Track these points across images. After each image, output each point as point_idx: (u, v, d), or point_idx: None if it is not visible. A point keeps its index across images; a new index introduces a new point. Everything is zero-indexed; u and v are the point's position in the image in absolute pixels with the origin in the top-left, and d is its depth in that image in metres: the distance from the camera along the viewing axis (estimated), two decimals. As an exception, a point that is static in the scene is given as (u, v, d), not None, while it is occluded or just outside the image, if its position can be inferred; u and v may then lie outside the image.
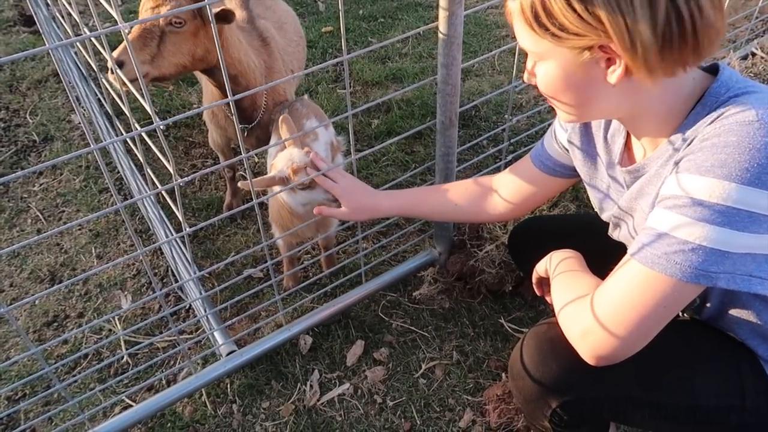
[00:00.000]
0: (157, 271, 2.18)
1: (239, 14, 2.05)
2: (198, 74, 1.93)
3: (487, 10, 3.77)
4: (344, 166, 2.09)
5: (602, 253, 1.11)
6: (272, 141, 1.92)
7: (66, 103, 3.11)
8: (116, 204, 2.35)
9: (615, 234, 1.19)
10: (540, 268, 1.23)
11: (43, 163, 2.69)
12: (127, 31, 1.01)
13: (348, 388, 1.76)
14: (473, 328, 1.89)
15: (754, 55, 2.75)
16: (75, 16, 1.49)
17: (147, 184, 2.23)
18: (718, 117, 0.86)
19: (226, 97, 1.87)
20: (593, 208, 1.29)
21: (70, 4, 1.62)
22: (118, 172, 2.59)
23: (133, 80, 1.56)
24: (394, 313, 1.96)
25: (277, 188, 1.49)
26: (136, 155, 2.57)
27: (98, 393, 1.78)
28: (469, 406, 1.70)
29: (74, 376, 1.84)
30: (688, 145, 0.89)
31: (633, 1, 0.78)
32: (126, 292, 2.11)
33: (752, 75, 2.60)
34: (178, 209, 1.36)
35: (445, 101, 1.57)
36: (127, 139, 1.65)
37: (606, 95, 0.93)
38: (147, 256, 2.23)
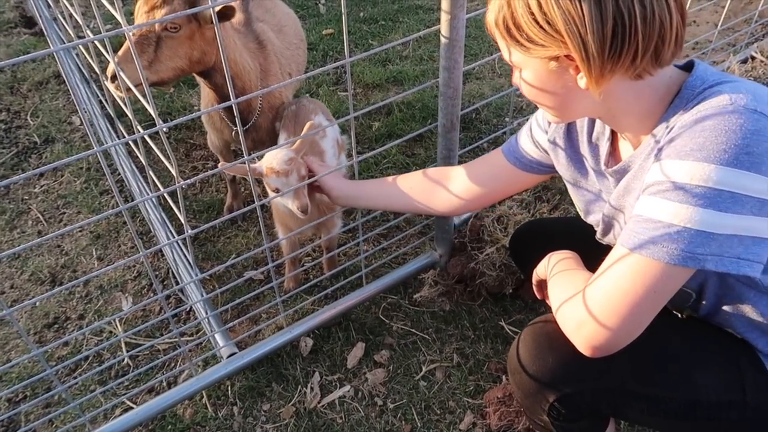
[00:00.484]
0: (158, 273, 2.18)
1: (237, 17, 2.06)
2: (195, 76, 1.93)
3: (487, 13, 3.78)
4: (346, 167, 2.10)
5: (602, 255, 1.11)
6: (281, 139, 1.94)
7: (67, 105, 3.12)
8: (117, 206, 2.36)
9: (606, 237, 1.20)
10: (540, 270, 1.23)
11: (44, 165, 2.70)
12: (131, 34, 1.02)
13: (348, 391, 1.76)
14: (474, 331, 1.90)
15: (753, 58, 2.75)
16: (77, 17, 1.50)
17: (149, 186, 2.23)
18: (694, 106, 0.89)
19: (222, 99, 1.90)
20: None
21: (72, 5, 1.63)
22: (119, 174, 2.59)
23: (132, 88, 1.57)
24: (394, 316, 1.97)
25: (271, 193, 1.53)
26: (137, 157, 2.57)
27: (99, 395, 1.78)
28: (470, 409, 1.70)
29: (75, 378, 1.84)
30: (668, 133, 0.91)
31: (584, 15, 0.84)
32: (127, 294, 2.11)
33: (752, 78, 2.60)
34: (180, 211, 1.36)
35: (447, 104, 1.57)
36: (129, 141, 1.65)
37: (581, 98, 0.98)
38: (148, 258, 2.23)
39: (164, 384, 1.81)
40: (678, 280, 0.89)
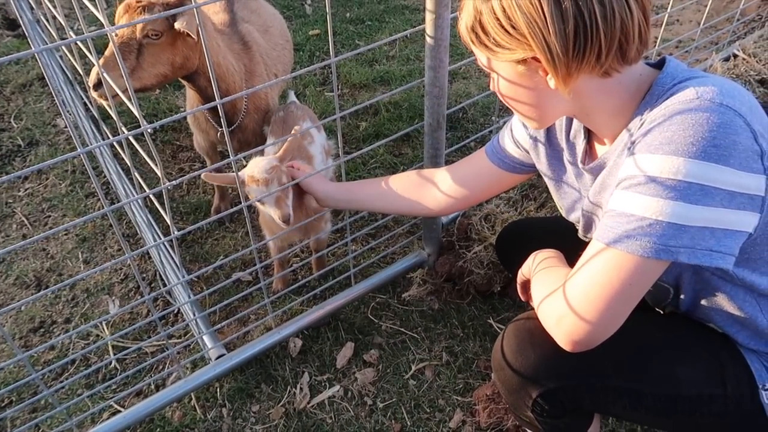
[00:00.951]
0: (145, 275, 2.17)
1: (222, 18, 2.05)
2: (179, 79, 1.93)
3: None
4: (333, 169, 2.10)
5: None
6: (269, 141, 1.95)
7: (51, 108, 3.09)
8: (103, 208, 2.34)
9: (588, 234, 1.21)
10: (525, 270, 1.24)
11: (28, 167, 2.67)
12: (114, 34, 1.01)
13: (338, 391, 1.76)
14: (462, 329, 1.90)
15: (735, 56, 2.79)
16: (60, 19, 1.48)
17: (134, 188, 2.21)
18: (664, 101, 0.91)
19: (206, 101, 1.89)
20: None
21: (54, 7, 1.62)
22: (105, 176, 2.57)
23: (116, 96, 1.56)
24: (383, 315, 1.97)
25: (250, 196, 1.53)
26: (123, 159, 2.55)
27: (86, 399, 1.77)
28: (459, 407, 1.70)
29: (62, 382, 1.82)
30: (640, 129, 0.93)
31: (546, 17, 0.86)
32: (114, 297, 2.10)
33: (734, 76, 2.64)
34: (166, 213, 1.35)
35: (433, 103, 1.58)
36: (114, 143, 1.64)
37: (553, 99, 1.01)
38: (135, 261, 2.21)
39: (152, 387, 1.80)
40: (653, 273, 0.90)
